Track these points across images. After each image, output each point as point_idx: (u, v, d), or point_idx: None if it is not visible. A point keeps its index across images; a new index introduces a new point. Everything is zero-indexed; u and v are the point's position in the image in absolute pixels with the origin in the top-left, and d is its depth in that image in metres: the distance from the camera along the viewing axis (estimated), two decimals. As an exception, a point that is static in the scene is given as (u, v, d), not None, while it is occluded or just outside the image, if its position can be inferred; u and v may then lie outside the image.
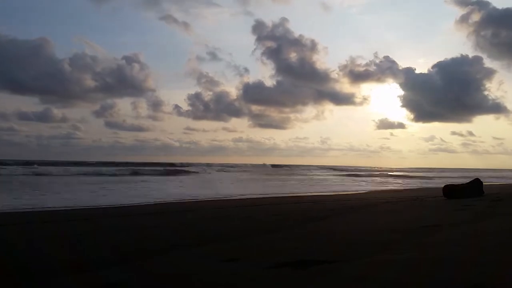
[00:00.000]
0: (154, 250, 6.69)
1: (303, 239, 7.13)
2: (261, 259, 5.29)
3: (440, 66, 69.45)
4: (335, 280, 3.98)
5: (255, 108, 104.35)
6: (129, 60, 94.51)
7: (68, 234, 9.11)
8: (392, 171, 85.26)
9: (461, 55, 71.52)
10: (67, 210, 14.06)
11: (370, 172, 71.95)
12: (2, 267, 5.81)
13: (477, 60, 70.68)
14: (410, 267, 4.27)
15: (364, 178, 49.02)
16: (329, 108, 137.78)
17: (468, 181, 17.14)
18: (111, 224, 10.80)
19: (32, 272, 5.40)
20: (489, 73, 74.47)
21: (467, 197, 14.58)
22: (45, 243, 7.93)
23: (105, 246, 7.39)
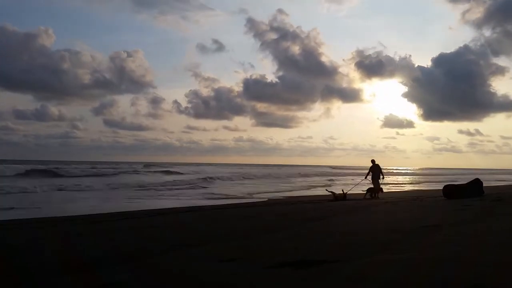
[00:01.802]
0: (154, 250, 6.69)
1: (303, 239, 7.12)
2: (261, 259, 5.29)
3: (445, 63, 67.42)
4: (335, 280, 3.98)
5: (255, 104, 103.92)
6: (127, 56, 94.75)
7: (68, 234, 9.11)
8: (396, 171, 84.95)
9: (467, 50, 69.19)
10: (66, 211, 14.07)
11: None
12: (2, 267, 5.81)
13: (485, 56, 68.85)
14: (410, 267, 4.27)
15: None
16: (329, 105, 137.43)
17: (468, 181, 17.14)
18: (111, 224, 10.80)
19: (32, 272, 5.40)
20: (500, 69, 72.42)
21: (467, 197, 14.57)
22: (45, 243, 7.93)
23: (105, 246, 7.39)
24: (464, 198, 14.38)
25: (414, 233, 6.97)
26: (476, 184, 16.13)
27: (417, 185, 38.60)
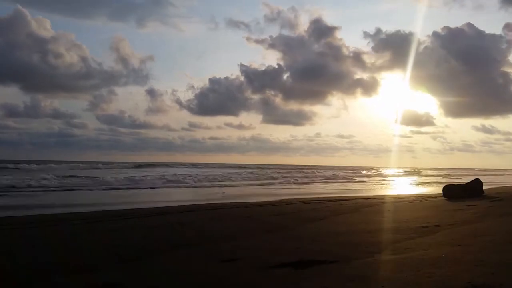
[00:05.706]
0: (154, 250, 6.69)
1: (303, 239, 7.13)
2: (261, 259, 5.30)
3: (462, 52, 59.73)
4: (335, 280, 3.98)
5: (257, 97, 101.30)
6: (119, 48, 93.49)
7: (68, 235, 9.11)
8: (401, 171, 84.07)
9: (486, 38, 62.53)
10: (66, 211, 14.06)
11: (371, 172, 71.74)
12: (2, 267, 5.81)
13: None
14: (410, 267, 4.27)
15: (364, 178, 49.09)
16: (332, 100, 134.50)
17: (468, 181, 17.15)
18: (111, 224, 10.80)
19: (32, 273, 5.40)
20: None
21: (467, 197, 14.58)
22: (45, 244, 7.93)
23: (104, 246, 7.38)
24: (464, 198, 14.39)
25: (414, 233, 6.97)
26: (476, 184, 16.15)
27: (418, 185, 38.63)
